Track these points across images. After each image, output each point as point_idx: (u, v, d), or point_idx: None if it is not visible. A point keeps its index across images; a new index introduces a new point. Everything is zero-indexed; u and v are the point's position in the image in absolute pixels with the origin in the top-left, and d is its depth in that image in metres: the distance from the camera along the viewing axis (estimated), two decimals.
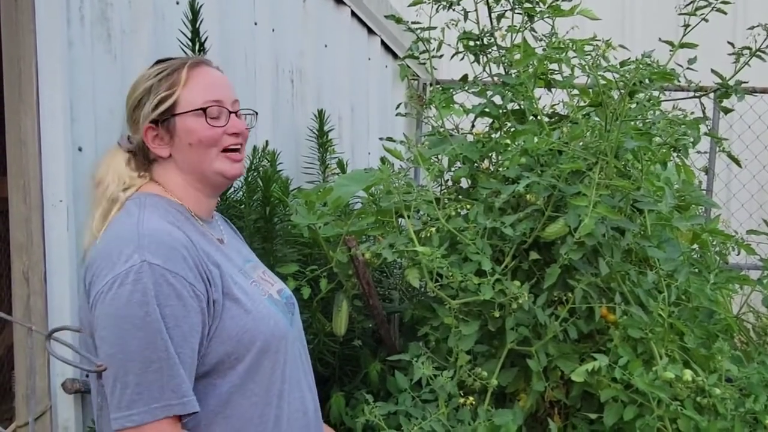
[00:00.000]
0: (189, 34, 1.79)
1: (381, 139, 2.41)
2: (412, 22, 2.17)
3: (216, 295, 1.18)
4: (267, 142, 2.14)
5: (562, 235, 1.72)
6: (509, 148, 1.87)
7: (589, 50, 1.82)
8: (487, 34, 2.17)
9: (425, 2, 2.15)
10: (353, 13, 3.14)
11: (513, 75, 2.08)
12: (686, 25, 1.92)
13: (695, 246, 2.23)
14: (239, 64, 2.20)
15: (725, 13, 1.95)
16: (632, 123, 1.82)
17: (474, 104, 2.15)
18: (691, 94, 2.15)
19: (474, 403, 1.72)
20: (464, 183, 2.16)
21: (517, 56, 2.03)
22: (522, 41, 2.07)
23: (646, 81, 1.76)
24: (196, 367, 1.16)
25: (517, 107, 2.08)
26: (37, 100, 1.46)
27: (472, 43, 2.18)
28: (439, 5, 2.15)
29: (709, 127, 2.40)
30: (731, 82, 2.07)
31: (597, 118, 1.93)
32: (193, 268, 1.15)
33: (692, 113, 1.92)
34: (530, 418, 1.87)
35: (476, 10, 2.16)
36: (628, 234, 1.83)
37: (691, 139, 1.82)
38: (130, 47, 1.69)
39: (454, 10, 2.16)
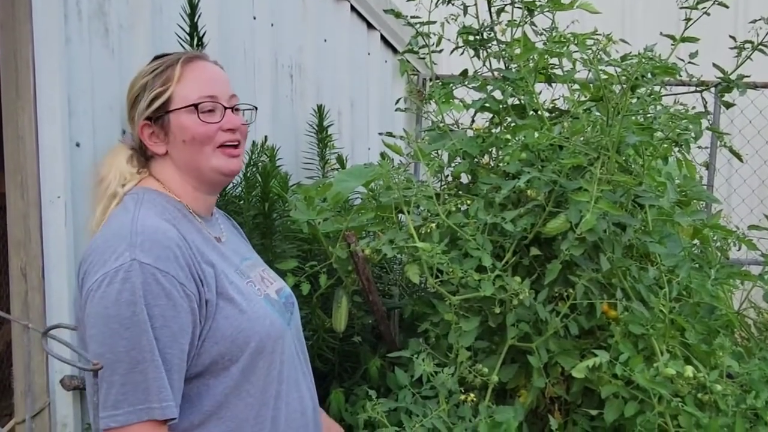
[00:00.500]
0: (187, 29, 1.78)
1: (381, 134, 2.40)
2: (412, 17, 2.15)
3: (209, 295, 1.17)
4: (266, 137, 2.13)
5: (563, 231, 1.71)
6: (510, 144, 1.86)
7: (590, 44, 1.81)
8: (486, 29, 2.16)
9: None
10: (353, 8, 3.13)
11: (513, 70, 2.08)
12: (687, 19, 1.91)
13: (696, 241, 2.23)
14: (238, 59, 2.19)
15: (727, 7, 1.94)
16: (633, 118, 1.81)
17: (474, 99, 2.14)
18: (693, 88, 2.15)
19: (474, 399, 1.72)
20: (464, 178, 2.15)
21: (518, 51, 2.02)
22: (522, 36, 2.06)
23: (648, 75, 1.75)
24: (187, 367, 1.15)
25: (518, 102, 2.07)
26: (34, 95, 1.45)
27: (471, 38, 2.17)
28: (439, 0, 2.14)
29: (710, 122, 2.39)
30: (733, 77, 2.06)
31: (598, 113, 1.92)
32: (184, 267, 1.14)
33: (693, 108, 1.92)
34: (531, 414, 1.87)
35: (476, 4, 2.15)
36: (629, 229, 1.82)
37: (693, 134, 1.81)
38: (128, 42, 1.68)
39: (453, 4, 2.15)
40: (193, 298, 1.14)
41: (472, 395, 1.71)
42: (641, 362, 1.65)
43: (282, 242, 1.97)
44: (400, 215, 1.92)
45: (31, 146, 1.46)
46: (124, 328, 1.08)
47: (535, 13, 2.08)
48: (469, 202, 1.87)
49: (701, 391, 1.67)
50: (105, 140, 1.57)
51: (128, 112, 1.30)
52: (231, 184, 1.90)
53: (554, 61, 2.07)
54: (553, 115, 2.11)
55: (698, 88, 2.11)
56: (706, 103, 2.10)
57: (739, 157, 2.16)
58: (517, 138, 1.87)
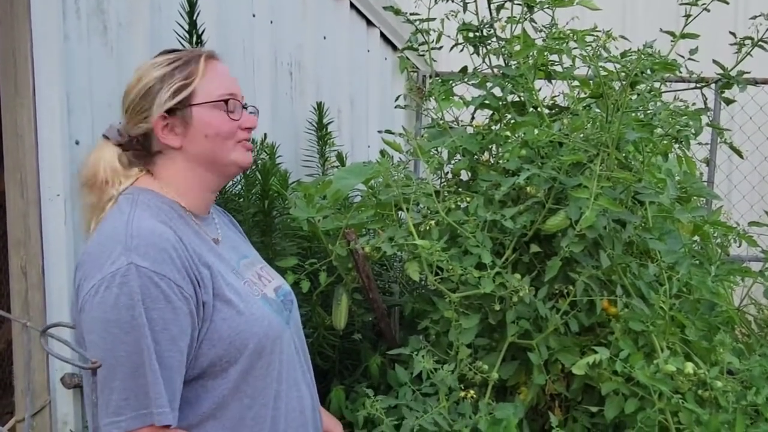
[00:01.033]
0: (186, 27, 1.77)
1: (380, 132, 2.40)
2: (411, 14, 2.15)
3: (205, 297, 1.16)
4: (266, 134, 2.12)
5: (563, 228, 1.71)
6: (509, 140, 1.86)
7: (590, 41, 1.81)
8: (486, 26, 2.15)
9: None
10: (352, 5, 3.12)
11: (513, 66, 2.07)
12: (687, 15, 1.91)
13: (696, 238, 2.23)
14: (237, 57, 2.18)
15: (727, 3, 1.94)
16: (633, 114, 1.81)
17: (474, 96, 2.14)
18: (693, 84, 2.14)
19: (475, 396, 1.72)
20: (464, 175, 2.15)
21: (517, 47, 2.01)
22: (522, 32, 2.05)
23: (648, 72, 1.75)
24: (186, 370, 1.15)
25: (517, 99, 2.07)
26: (33, 93, 1.44)
27: (471, 35, 2.17)
28: None
29: (710, 118, 2.38)
30: (733, 73, 2.05)
31: (598, 110, 1.92)
32: (181, 269, 1.13)
33: (693, 104, 1.91)
34: (531, 411, 1.87)
35: (475, 1, 2.15)
36: (629, 226, 1.82)
37: (693, 131, 1.81)
38: (126, 40, 1.67)
39: (453, 1, 2.15)
40: (191, 301, 1.13)
41: (472, 392, 1.71)
42: (641, 359, 1.65)
43: (282, 240, 1.97)
44: (399, 213, 1.92)
45: (31, 144, 1.45)
46: (124, 333, 1.07)
47: (535, 9, 2.08)
48: (468, 199, 1.87)
49: (702, 387, 1.67)
50: None
51: (132, 105, 1.25)
52: (230, 182, 1.89)
53: (554, 57, 2.07)
54: (553, 111, 2.11)
55: (698, 85, 2.11)
56: (706, 99, 2.09)
57: (739, 153, 2.16)
58: (516, 135, 1.87)
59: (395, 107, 2.40)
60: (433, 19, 2.16)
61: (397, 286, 2.38)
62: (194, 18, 1.77)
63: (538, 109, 1.97)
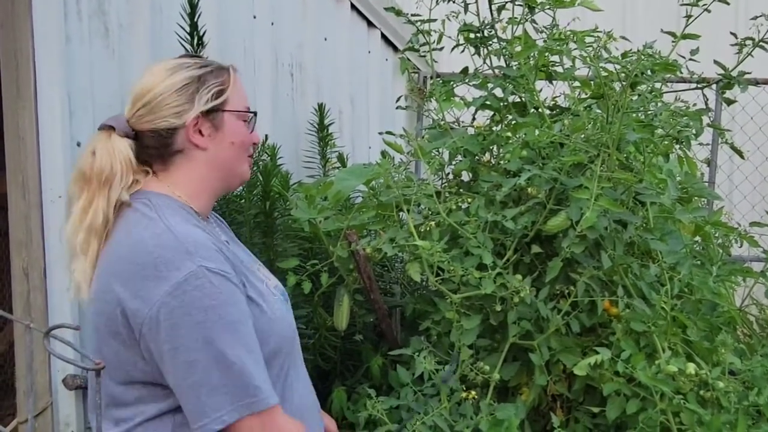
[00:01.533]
0: (187, 28, 1.78)
1: (381, 133, 2.40)
2: (412, 15, 2.15)
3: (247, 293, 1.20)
4: (267, 136, 2.13)
5: (564, 229, 1.71)
6: (510, 141, 1.86)
7: (591, 42, 1.81)
8: (487, 26, 2.15)
9: None
10: (353, 6, 3.12)
11: (514, 67, 2.07)
12: (688, 16, 1.91)
13: (698, 238, 2.23)
14: (238, 58, 2.18)
15: (728, 3, 1.93)
16: (634, 115, 1.81)
17: (475, 97, 2.14)
18: (694, 85, 2.14)
19: (476, 397, 1.72)
20: (465, 176, 2.15)
21: (518, 48, 2.02)
22: (523, 33, 2.05)
23: (648, 72, 1.75)
24: None
25: (518, 100, 2.07)
26: (35, 95, 1.45)
27: (472, 36, 2.17)
28: None
29: (711, 119, 2.38)
30: (734, 73, 2.05)
31: (599, 110, 1.92)
32: (232, 268, 1.16)
33: (694, 104, 1.91)
34: (533, 411, 1.87)
35: (476, 2, 2.15)
36: (630, 227, 1.82)
37: (694, 131, 1.81)
38: (127, 41, 1.67)
39: (454, 2, 2.15)
40: (245, 296, 1.17)
41: (473, 393, 1.71)
42: (643, 359, 1.65)
43: (283, 241, 1.97)
44: (401, 214, 1.92)
45: (32, 146, 1.46)
46: (217, 333, 1.09)
47: (536, 10, 2.08)
48: (469, 200, 1.87)
49: (703, 388, 1.67)
50: None
51: (159, 99, 1.19)
52: None
53: (555, 58, 2.07)
54: (554, 112, 2.11)
55: (699, 85, 2.11)
56: (707, 99, 2.09)
57: (740, 153, 2.15)
58: (517, 136, 1.87)
59: (396, 108, 2.40)
60: (434, 20, 2.16)
61: (399, 287, 2.38)
62: (195, 19, 1.78)
63: (539, 109, 1.97)
